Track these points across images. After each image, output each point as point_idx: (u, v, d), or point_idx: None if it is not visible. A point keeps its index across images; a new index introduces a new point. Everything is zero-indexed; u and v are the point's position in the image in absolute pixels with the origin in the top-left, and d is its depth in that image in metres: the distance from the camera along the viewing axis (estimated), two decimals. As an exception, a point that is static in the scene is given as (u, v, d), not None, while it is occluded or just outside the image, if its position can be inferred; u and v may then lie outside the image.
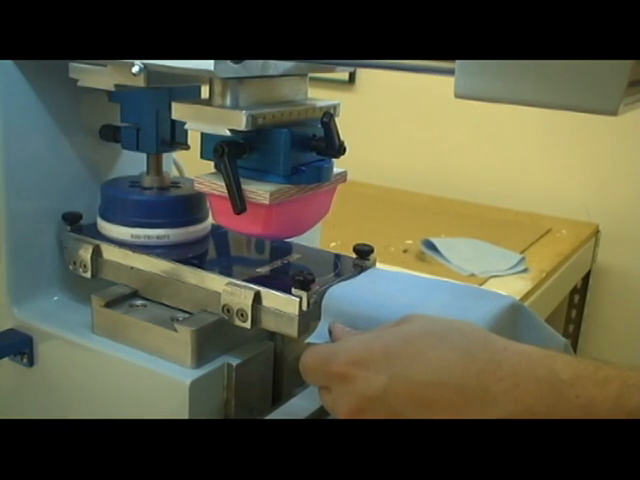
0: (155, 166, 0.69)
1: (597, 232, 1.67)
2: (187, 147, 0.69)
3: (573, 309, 1.73)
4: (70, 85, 0.62)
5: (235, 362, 0.59)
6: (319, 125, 0.57)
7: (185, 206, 0.68)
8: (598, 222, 1.68)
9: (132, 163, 0.74)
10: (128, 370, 0.60)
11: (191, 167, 0.88)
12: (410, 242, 1.41)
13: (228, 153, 0.55)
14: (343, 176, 0.63)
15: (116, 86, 0.60)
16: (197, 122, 0.57)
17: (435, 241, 1.36)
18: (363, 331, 0.52)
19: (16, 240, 0.65)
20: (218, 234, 0.71)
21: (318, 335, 0.56)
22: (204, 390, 0.58)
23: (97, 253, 0.66)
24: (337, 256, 0.67)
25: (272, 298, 0.57)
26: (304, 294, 0.55)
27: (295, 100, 0.61)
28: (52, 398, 0.66)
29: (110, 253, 0.65)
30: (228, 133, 0.55)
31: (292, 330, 0.56)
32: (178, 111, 0.58)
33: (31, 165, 0.65)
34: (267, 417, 0.60)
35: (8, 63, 0.61)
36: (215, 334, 0.59)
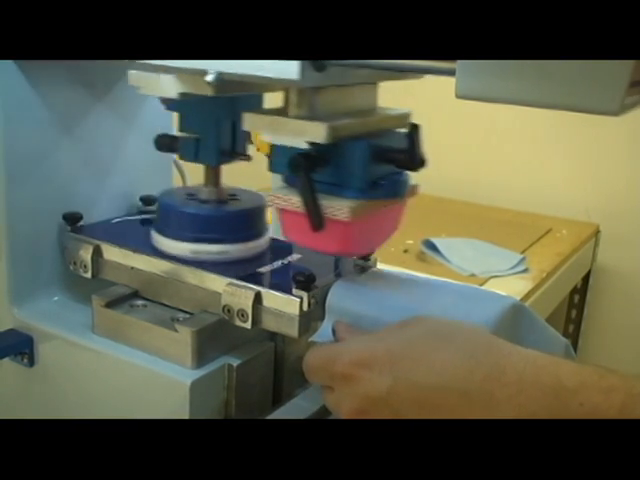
0: (214, 178, 0.66)
1: (597, 232, 1.67)
2: (248, 158, 0.66)
3: (573, 309, 1.73)
4: (70, 85, 0.62)
5: (236, 362, 0.59)
6: (394, 136, 0.55)
7: (247, 220, 0.65)
8: (598, 222, 1.68)
9: (132, 163, 0.74)
10: (128, 370, 0.60)
11: (191, 167, 0.88)
12: (411, 242, 1.41)
13: (305, 167, 0.51)
14: (415, 189, 0.59)
15: (180, 94, 0.57)
16: (272, 134, 0.53)
17: (436, 241, 1.36)
18: (367, 331, 0.52)
19: (16, 240, 0.65)
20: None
21: (321, 334, 0.55)
22: (204, 390, 0.58)
23: (97, 253, 0.65)
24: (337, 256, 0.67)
25: (273, 298, 0.57)
26: (305, 294, 0.55)
27: (367, 109, 0.58)
28: (52, 398, 0.66)
29: (110, 253, 0.65)
30: (306, 146, 0.52)
31: (293, 330, 0.56)
32: (251, 122, 0.54)
33: (31, 165, 0.65)
34: (268, 417, 0.59)
35: (8, 63, 0.61)
36: (215, 334, 0.59)
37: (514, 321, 0.54)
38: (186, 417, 0.56)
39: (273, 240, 0.68)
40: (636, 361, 1.70)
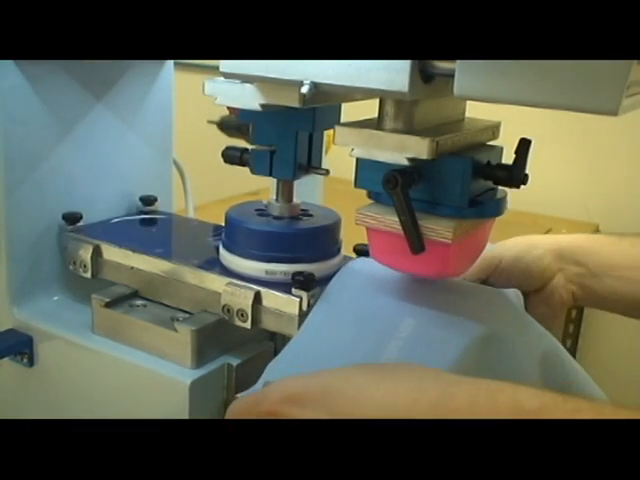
0: (287, 193, 0.62)
1: (597, 232, 1.68)
2: (325, 172, 0.62)
3: (573, 309, 1.73)
4: (70, 85, 0.62)
5: (235, 362, 0.59)
6: (492, 150, 0.53)
7: (323, 238, 0.61)
8: (598, 222, 1.68)
9: (132, 163, 0.74)
10: (128, 370, 0.60)
11: (191, 167, 0.88)
12: (410, 242, 1.41)
13: (402, 184, 0.47)
14: (507, 206, 0.55)
15: (262, 106, 0.53)
16: (367, 148, 0.48)
17: (435, 241, 1.36)
18: None
19: (16, 240, 0.66)
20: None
21: (250, 390, 0.51)
22: (204, 390, 0.58)
23: (97, 253, 0.66)
24: (337, 256, 0.67)
25: (272, 298, 0.57)
26: (304, 294, 0.55)
27: (457, 121, 0.55)
28: (52, 398, 0.66)
29: (110, 253, 0.65)
30: (406, 162, 0.47)
31: (292, 330, 0.56)
32: (342, 136, 0.49)
33: (31, 165, 0.65)
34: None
35: (8, 63, 0.61)
36: (215, 334, 0.59)
37: (484, 354, 0.50)
38: (185, 417, 0.56)
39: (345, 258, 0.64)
40: (636, 360, 1.70)
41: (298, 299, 0.55)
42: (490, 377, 0.44)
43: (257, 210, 0.63)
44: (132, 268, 0.64)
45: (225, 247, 0.61)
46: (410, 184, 0.48)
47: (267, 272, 0.59)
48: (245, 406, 0.46)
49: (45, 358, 0.66)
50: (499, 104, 0.41)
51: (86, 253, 0.65)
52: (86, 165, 0.70)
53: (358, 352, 0.50)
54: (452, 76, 0.42)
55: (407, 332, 0.51)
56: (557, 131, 1.69)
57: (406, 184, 0.47)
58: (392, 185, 0.47)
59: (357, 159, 0.51)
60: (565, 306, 0.65)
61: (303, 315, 0.55)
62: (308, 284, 0.56)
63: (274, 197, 0.63)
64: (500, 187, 0.54)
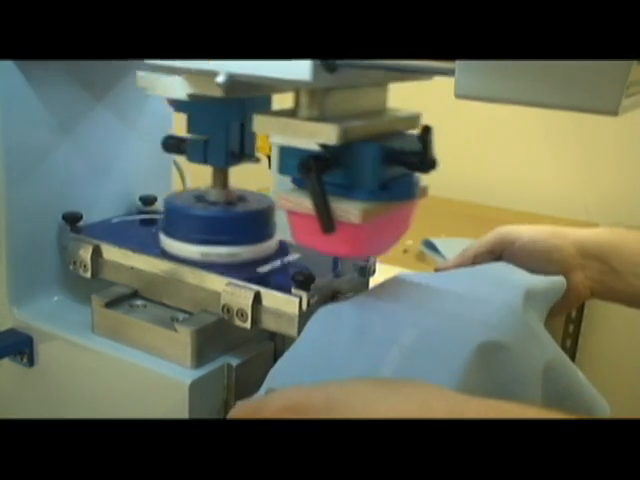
0: (222, 180, 0.66)
1: (597, 232, 1.67)
2: (256, 160, 0.65)
3: (573, 309, 1.73)
4: (70, 84, 0.62)
5: (235, 362, 0.59)
6: (405, 137, 0.55)
7: (257, 221, 0.65)
8: (598, 222, 1.68)
9: (132, 163, 0.74)
10: (128, 370, 0.60)
11: (192, 167, 0.88)
12: (410, 242, 1.41)
13: (316, 169, 0.51)
14: (425, 191, 0.59)
15: (189, 96, 0.57)
16: (282, 135, 0.52)
17: (435, 241, 1.36)
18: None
19: (16, 240, 0.66)
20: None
21: (253, 398, 0.50)
22: (204, 390, 0.58)
23: (97, 253, 0.66)
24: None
25: (272, 298, 0.57)
26: (304, 294, 0.55)
27: (377, 111, 0.57)
28: (52, 398, 0.66)
29: (110, 253, 0.65)
30: (317, 148, 0.51)
31: (292, 330, 0.56)
32: (260, 124, 0.53)
33: (31, 165, 0.65)
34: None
35: (8, 63, 0.61)
36: (215, 334, 0.59)
37: (485, 363, 0.49)
38: (185, 417, 0.56)
39: (281, 242, 0.67)
40: (636, 360, 1.70)
41: (298, 299, 0.55)
42: (493, 386, 0.44)
43: (195, 197, 0.66)
44: (132, 268, 0.64)
45: (164, 232, 0.65)
46: (324, 169, 0.51)
47: (202, 254, 0.62)
48: (246, 413, 0.45)
49: (45, 358, 0.66)
50: (499, 104, 0.41)
51: (86, 253, 0.65)
52: (86, 165, 0.70)
53: (359, 358, 0.50)
54: (356, 67, 0.47)
55: (410, 340, 0.50)
56: (558, 131, 1.69)
57: (320, 169, 0.51)
58: (306, 170, 0.51)
59: (279, 148, 0.54)
60: (581, 300, 0.65)
61: (303, 315, 0.56)
62: (308, 284, 0.56)
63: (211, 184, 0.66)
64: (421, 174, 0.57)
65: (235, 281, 0.58)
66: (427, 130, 0.54)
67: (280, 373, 0.52)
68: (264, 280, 0.59)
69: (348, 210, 0.52)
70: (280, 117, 0.53)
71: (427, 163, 0.54)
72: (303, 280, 0.55)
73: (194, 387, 0.57)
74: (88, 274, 0.66)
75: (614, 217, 1.69)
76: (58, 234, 0.69)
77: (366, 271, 0.64)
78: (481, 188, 1.78)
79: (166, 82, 0.57)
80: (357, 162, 0.53)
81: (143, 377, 0.59)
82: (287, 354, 0.53)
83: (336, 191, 0.53)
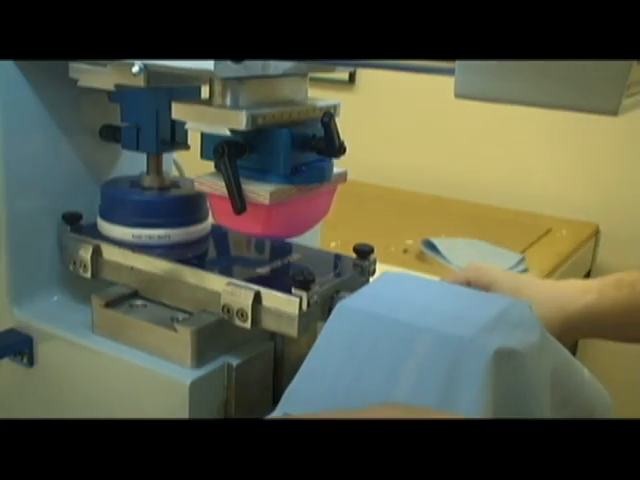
0: (155, 166, 0.69)
1: (597, 232, 1.67)
2: (187, 147, 0.69)
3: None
4: (70, 85, 0.62)
5: (235, 362, 0.59)
6: (319, 125, 0.57)
7: (186, 206, 0.68)
8: (598, 222, 1.68)
9: (132, 163, 0.74)
10: (128, 370, 0.60)
11: (191, 167, 0.88)
12: (410, 242, 1.41)
13: (228, 153, 0.55)
14: (343, 176, 0.63)
15: (116, 86, 0.60)
16: (197, 122, 0.57)
17: (435, 241, 1.36)
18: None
19: (16, 240, 0.66)
20: (218, 234, 0.71)
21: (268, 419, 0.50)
22: (204, 390, 0.58)
23: (97, 253, 0.66)
24: (337, 256, 0.67)
25: (272, 298, 0.57)
26: (304, 294, 0.55)
27: (295, 100, 0.61)
28: (52, 398, 0.66)
29: (110, 253, 0.65)
30: (228, 133, 0.55)
31: (292, 330, 0.56)
32: (178, 111, 0.58)
33: (31, 165, 0.65)
34: (267, 417, 0.59)
35: (8, 63, 0.61)
36: (215, 334, 0.59)
37: (502, 369, 0.48)
38: (185, 417, 0.56)
39: (214, 226, 0.70)
40: (636, 359, 1.70)
41: (298, 299, 0.55)
42: (505, 392, 0.43)
43: (132, 183, 0.70)
44: (132, 268, 0.64)
45: (100, 215, 0.68)
46: (239, 154, 0.56)
47: (133, 236, 0.66)
48: None
49: (45, 358, 0.66)
50: (499, 104, 0.41)
51: (86, 253, 0.65)
52: (86, 165, 0.70)
53: (374, 375, 0.49)
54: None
55: (424, 348, 0.49)
56: (557, 131, 1.69)
57: (233, 154, 0.55)
58: (220, 154, 0.55)
59: (202, 135, 0.59)
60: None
61: (303, 315, 0.56)
62: (308, 284, 0.56)
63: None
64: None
65: (235, 281, 0.58)
66: (327, 115, 0.57)
67: (296, 395, 0.51)
68: (264, 280, 0.59)
69: (258, 192, 0.56)
70: (195, 105, 0.57)
71: (334, 148, 0.57)
72: (303, 280, 0.55)
73: (194, 387, 0.57)
74: (88, 274, 0.66)
75: (614, 217, 1.69)
76: (58, 234, 0.69)
77: (366, 271, 0.64)
78: (481, 188, 1.78)
79: (95, 73, 0.60)
80: (269, 147, 0.57)
81: (143, 377, 0.59)
82: (302, 371, 0.52)
83: (252, 175, 0.57)
